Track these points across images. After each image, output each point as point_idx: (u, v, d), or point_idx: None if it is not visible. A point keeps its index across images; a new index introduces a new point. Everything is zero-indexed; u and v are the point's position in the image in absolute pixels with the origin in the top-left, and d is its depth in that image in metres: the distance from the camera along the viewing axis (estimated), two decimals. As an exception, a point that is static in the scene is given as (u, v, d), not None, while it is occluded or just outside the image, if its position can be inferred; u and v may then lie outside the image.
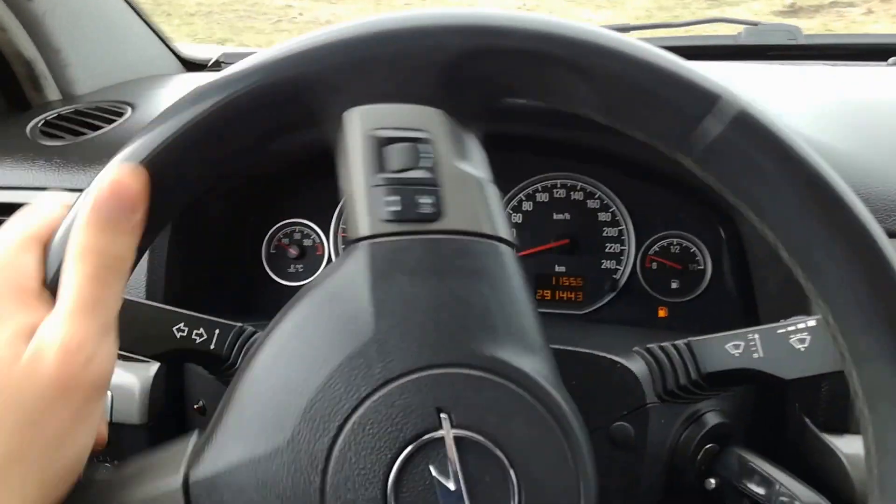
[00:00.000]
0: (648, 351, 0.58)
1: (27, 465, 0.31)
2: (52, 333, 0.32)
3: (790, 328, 0.53)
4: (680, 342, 0.56)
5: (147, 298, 0.76)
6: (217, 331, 0.62)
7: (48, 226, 0.36)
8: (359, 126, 0.39)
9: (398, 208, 0.38)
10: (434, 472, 0.36)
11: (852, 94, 0.88)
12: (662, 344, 0.57)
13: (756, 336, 0.54)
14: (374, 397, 0.36)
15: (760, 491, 0.56)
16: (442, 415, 0.36)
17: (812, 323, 0.52)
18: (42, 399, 0.31)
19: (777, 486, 0.55)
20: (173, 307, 0.62)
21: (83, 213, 0.34)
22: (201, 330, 0.61)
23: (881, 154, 0.70)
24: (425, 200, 0.38)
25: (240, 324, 0.63)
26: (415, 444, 0.36)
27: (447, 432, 0.36)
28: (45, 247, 0.35)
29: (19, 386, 0.31)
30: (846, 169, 0.67)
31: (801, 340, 0.53)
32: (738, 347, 0.54)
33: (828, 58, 1.07)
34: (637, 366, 0.58)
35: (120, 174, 0.34)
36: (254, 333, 0.64)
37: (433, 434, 0.36)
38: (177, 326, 0.61)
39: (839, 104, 0.82)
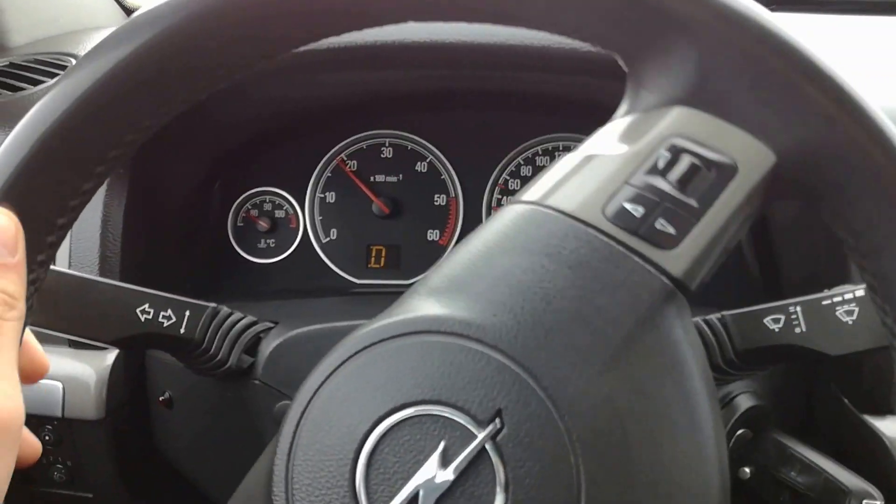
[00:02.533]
0: None
1: None
2: None
3: (836, 299, 0.51)
4: (712, 317, 0.54)
5: (102, 274, 0.71)
6: (187, 312, 0.57)
7: None
8: (670, 125, 0.35)
9: (635, 215, 0.34)
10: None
11: (866, 47, 0.86)
12: (694, 318, 0.54)
13: (798, 308, 0.52)
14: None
15: (801, 479, 0.54)
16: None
17: (861, 293, 0.50)
18: None
19: (822, 475, 0.53)
20: (133, 286, 0.57)
21: None
22: (169, 312, 0.57)
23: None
24: (665, 225, 0.34)
25: (213, 304, 0.59)
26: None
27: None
28: None
29: None
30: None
31: (849, 312, 0.51)
32: (777, 321, 0.52)
33: (840, 11, 1.05)
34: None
35: None
36: (229, 315, 0.60)
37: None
38: (141, 308, 0.56)
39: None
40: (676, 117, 0.35)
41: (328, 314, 0.67)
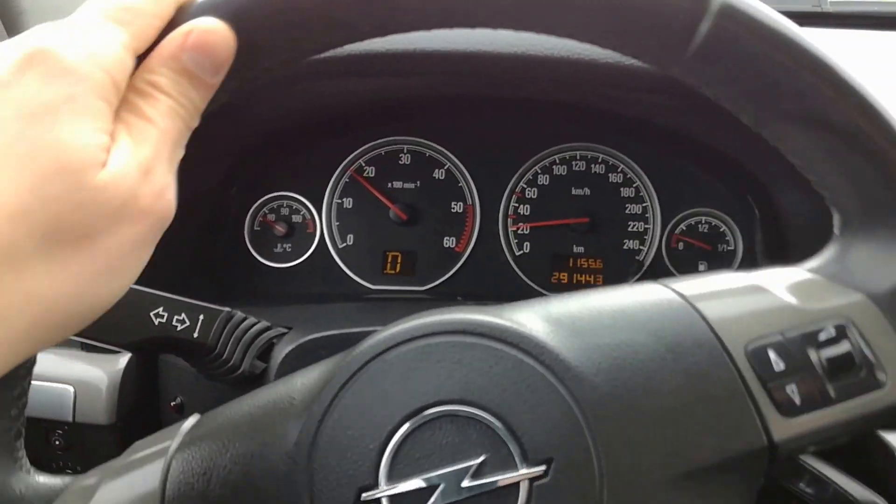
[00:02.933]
0: None
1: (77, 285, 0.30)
2: (132, 150, 0.31)
3: None
4: None
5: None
6: (201, 316, 0.58)
7: (143, 31, 0.33)
8: (851, 308, 0.36)
9: (774, 368, 0.35)
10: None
11: (886, 61, 0.85)
12: None
13: None
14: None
15: (811, 491, 0.54)
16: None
17: None
18: (111, 213, 0.30)
19: (832, 487, 0.52)
20: (147, 289, 0.58)
21: (165, 51, 0.33)
22: (183, 315, 0.58)
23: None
24: (794, 393, 0.35)
25: (227, 308, 0.60)
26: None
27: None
28: (135, 50, 0.33)
29: (94, 194, 0.29)
30: None
31: None
32: None
33: (856, 25, 1.04)
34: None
35: (212, 29, 0.33)
36: (243, 320, 0.60)
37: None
38: (154, 311, 0.57)
39: (873, 72, 0.79)
40: (861, 305, 0.36)
41: (342, 320, 0.67)
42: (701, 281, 0.37)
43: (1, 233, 0.27)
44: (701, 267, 0.85)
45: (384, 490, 0.33)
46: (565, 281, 0.86)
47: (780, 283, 0.37)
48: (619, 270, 0.85)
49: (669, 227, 0.85)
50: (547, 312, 0.36)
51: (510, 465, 0.33)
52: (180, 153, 0.34)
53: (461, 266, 0.87)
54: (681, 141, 0.81)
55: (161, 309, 0.57)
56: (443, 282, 0.87)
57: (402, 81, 0.80)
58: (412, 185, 0.89)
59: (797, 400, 0.34)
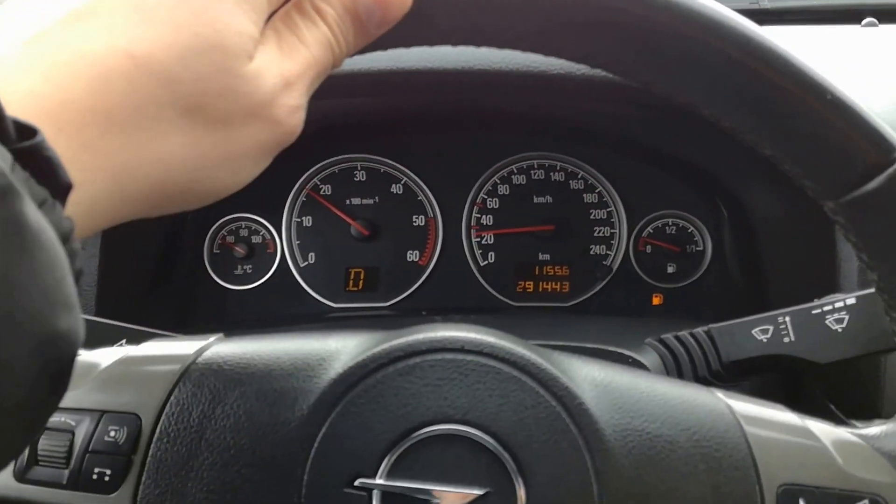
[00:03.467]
0: (662, 342, 0.54)
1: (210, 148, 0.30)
2: (279, 58, 0.31)
3: (826, 308, 0.51)
4: (699, 330, 0.53)
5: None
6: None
7: None
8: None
9: None
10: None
11: (828, 57, 0.86)
12: (678, 333, 0.54)
13: (787, 319, 0.51)
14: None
15: None
16: None
17: (851, 301, 0.50)
18: (248, 108, 0.29)
19: None
20: (110, 320, 0.56)
21: None
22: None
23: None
24: None
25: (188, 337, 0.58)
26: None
27: None
28: None
29: (239, 83, 0.29)
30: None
31: (839, 321, 0.50)
32: (766, 332, 0.52)
33: (795, 21, 1.06)
34: (649, 359, 0.55)
35: None
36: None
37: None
38: (118, 344, 0.55)
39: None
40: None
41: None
42: (756, 405, 0.37)
43: (151, 93, 0.27)
44: (669, 269, 0.84)
45: (380, 482, 0.32)
46: (531, 290, 0.85)
47: (833, 438, 0.36)
48: (586, 276, 0.85)
49: (636, 230, 0.85)
50: (597, 374, 0.36)
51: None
52: (315, 87, 0.33)
53: (425, 279, 0.86)
54: (641, 147, 0.82)
55: (125, 341, 0.55)
56: (407, 296, 0.86)
57: (354, 100, 0.80)
58: (371, 201, 0.88)
59: None
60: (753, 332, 0.52)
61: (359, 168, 0.88)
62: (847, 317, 0.50)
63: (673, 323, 0.57)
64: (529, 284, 0.86)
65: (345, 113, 0.83)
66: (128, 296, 0.77)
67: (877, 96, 0.70)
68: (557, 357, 0.36)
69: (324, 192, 0.88)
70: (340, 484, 0.32)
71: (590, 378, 0.35)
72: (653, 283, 0.84)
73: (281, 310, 0.86)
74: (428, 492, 0.32)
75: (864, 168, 0.34)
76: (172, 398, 0.35)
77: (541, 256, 0.86)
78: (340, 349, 0.36)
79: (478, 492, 0.32)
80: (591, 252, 0.85)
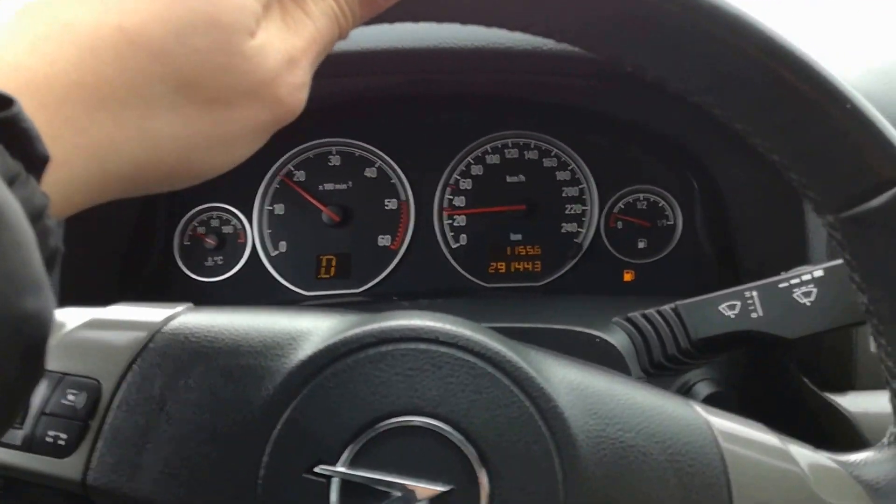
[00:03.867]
0: (629, 321, 0.54)
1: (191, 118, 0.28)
2: (283, 34, 0.30)
3: (794, 281, 0.50)
4: (666, 308, 0.53)
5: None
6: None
7: None
8: None
9: None
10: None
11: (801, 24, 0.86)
12: (645, 312, 0.54)
13: (754, 293, 0.51)
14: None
15: None
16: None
17: (819, 273, 0.50)
18: (248, 87, 0.29)
19: None
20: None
21: None
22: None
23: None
24: None
25: None
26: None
27: None
28: None
29: (238, 61, 0.28)
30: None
31: (806, 294, 0.50)
32: (733, 308, 0.52)
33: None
34: (618, 338, 0.55)
35: None
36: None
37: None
38: None
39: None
40: None
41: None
42: (736, 423, 0.36)
43: (141, 68, 0.26)
44: (640, 244, 0.84)
45: (340, 471, 0.32)
46: (503, 270, 0.85)
47: (811, 462, 0.36)
48: (558, 255, 0.85)
49: (607, 206, 0.85)
50: (574, 377, 0.35)
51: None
52: (319, 62, 0.32)
53: (397, 264, 0.85)
54: (613, 122, 0.81)
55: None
56: (379, 281, 0.85)
57: (327, 82, 0.78)
58: (344, 186, 0.87)
59: None
60: (720, 308, 0.51)
61: (334, 153, 0.88)
62: (815, 290, 0.50)
63: (645, 300, 0.57)
64: (501, 265, 0.85)
65: (320, 96, 0.82)
66: (95, 288, 0.76)
67: (851, 65, 0.70)
68: (535, 355, 0.35)
69: (297, 178, 0.87)
70: (300, 469, 0.32)
71: (567, 381, 0.35)
72: (624, 260, 0.84)
73: (252, 301, 0.85)
74: (389, 483, 0.32)
75: (873, 183, 0.33)
76: (135, 366, 0.35)
77: (512, 237, 0.85)
78: (312, 330, 0.35)
79: (441, 488, 0.32)
80: (563, 230, 0.85)
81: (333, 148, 0.87)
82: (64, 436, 0.34)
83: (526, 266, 0.85)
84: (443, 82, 0.78)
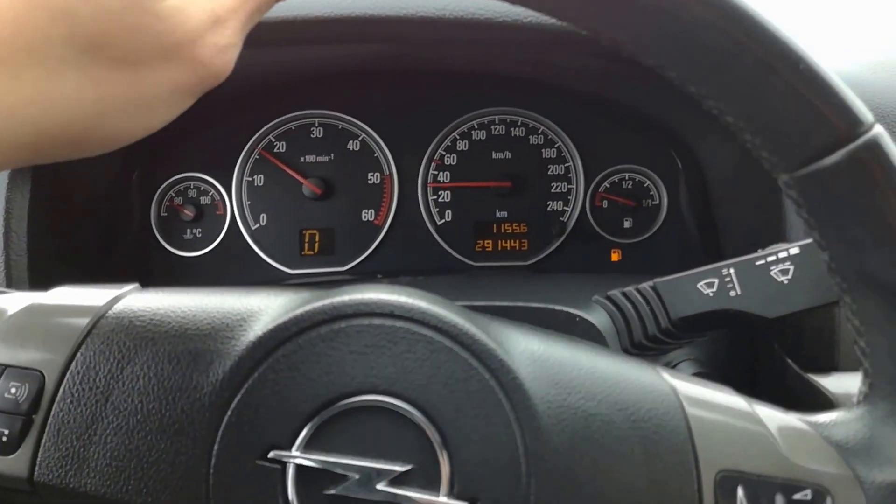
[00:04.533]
0: (610, 299, 0.53)
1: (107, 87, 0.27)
2: None
3: (770, 258, 0.49)
4: (645, 285, 0.52)
5: (8, 283, 0.66)
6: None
7: None
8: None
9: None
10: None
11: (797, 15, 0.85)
12: (625, 290, 0.53)
13: (731, 271, 0.50)
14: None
15: None
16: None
17: (795, 251, 0.48)
18: (164, 48, 0.28)
19: None
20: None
21: None
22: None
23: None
24: None
25: None
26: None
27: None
28: None
29: (152, 21, 0.27)
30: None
31: (784, 272, 0.49)
32: (711, 286, 0.51)
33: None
34: (598, 317, 0.54)
35: None
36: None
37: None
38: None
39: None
40: (848, 483, 0.34)
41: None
42: (702, 387, 0.36)
43: (41, 28, 0.25)
44: (626, 223, 0.84)
45: (295, 456, 0.31)
46: (490, 249, 0.84)
47: (780, 424, 0.35)
48: (545, 234, 0.84)
49: (593, 185, 0.84)
50: (537, 347, 0.34)
51: (433, 487, 0.31)
52: (253, 23, 0.31)
53: (382, 240, 0.84)
54: (600, 101, 0.80)
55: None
56: (364, 259, 0.84)
57: (310, 51, 0.77)
58: (326, 159, 0.86)
59: None
60: (699, 286, 0.50)
61: (316, 125, 0.86)
62: (792, 267, 0.49)
63: (631, 279, 0.56)
64: (488, 243, 0.84)
65: (299, 66, 0.80)
66: (74, 263, 0.75)
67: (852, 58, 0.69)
68: (496, 327, 0.34)
69: (278, 149, 0.86)
70: (253, 456, 0.31)
71: (528, 351, 0.34)
72: (611, 239, 0.84)
73: (235, 279, 0.84)
74: (346, 466, 0.31)
75: (827, 141, 0.32)
76: (78, 355, 0.34)
77: (498, 214, 0.84)
78: (262, 309, 0.34)
79: (400, 468, 0.31)
80: (549, 208, 0.84)
81: (316, 120, 0.86)
82: (7, 431, 0.33)
83: (513, 244, 0.85)
84: (429, 57, 0.77)
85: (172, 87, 0.29)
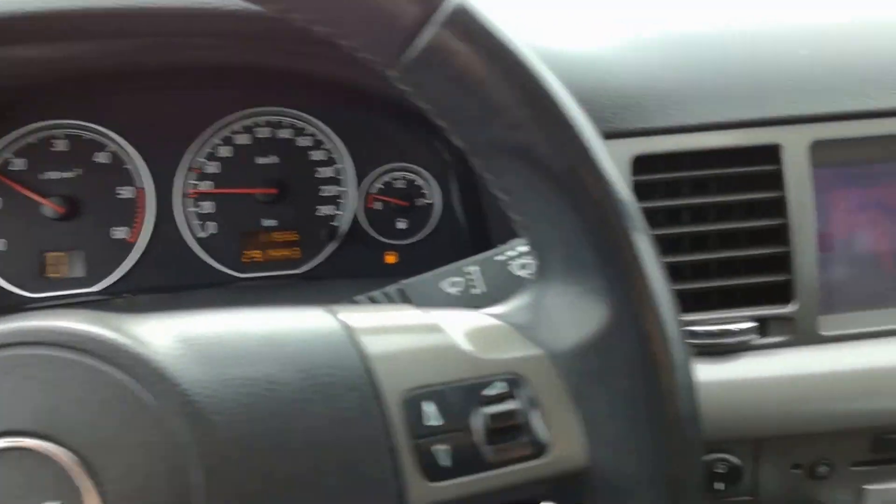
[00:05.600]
0: (356, 304, 0.51)
1: None
2: None
3: (510, 253, 0.50)
4: (391, 288, 0.51)
5: None
6: None
7: None
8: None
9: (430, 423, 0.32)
10: None
11: None
12: (372, 293, 0.51)
13: (475, 268, 0.50)
14: None
15: None
16: None
17: None
18: None
19: None
20: None
21: None
22: None
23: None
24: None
25: None
26: None
27: None
28: None
29: None
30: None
31: (522, 266, 0.49)
32: (455, 285, 0.50)
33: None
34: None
35: None
36: None
37: None
38: None
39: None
40: (538, 361, 0.33)
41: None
42: (376, 313, 0.34)
43: None
44: (400, 224, 0.82)
45: None
46: (260, 259, 0.80)
47: (461, 325, 0.34)
48: (316, 240, 0.81)
49: (365, 187, 0.82)
50: (180, 330, 0.31)
51: None
52: None
53: (140, 259, 0.78)
54: (363, 95, 0.78)
55: None
56: (120, 279, 0.77)
57: (44, 51, 0.69)
58: (71, 174, 0.78)
59: (448, 462, 0.31)
60: (441, 285, 0.50)
61: (59, 136, 0.78)
62: (530, 261, 0.49)
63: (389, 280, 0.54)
64: (257, 254, 0.80)
65: (33, 71, 0.72)
66: None
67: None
68: (134, 321, 0.31)
69: (16, 167, 0.77)
70: None
71: (172, 335, 0.31)
72: (385, 242, 0.82)
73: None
74: None
75: (407, 27, 0.31)
76: None
77: (265, 222, 0.80)
78: None
79: None
80: (319, 213, 0.81)
81: (58, 131, 0.78)
82: None
83: (284, 253, 0.81)
84: (178, 55, 0.71)
85: None
